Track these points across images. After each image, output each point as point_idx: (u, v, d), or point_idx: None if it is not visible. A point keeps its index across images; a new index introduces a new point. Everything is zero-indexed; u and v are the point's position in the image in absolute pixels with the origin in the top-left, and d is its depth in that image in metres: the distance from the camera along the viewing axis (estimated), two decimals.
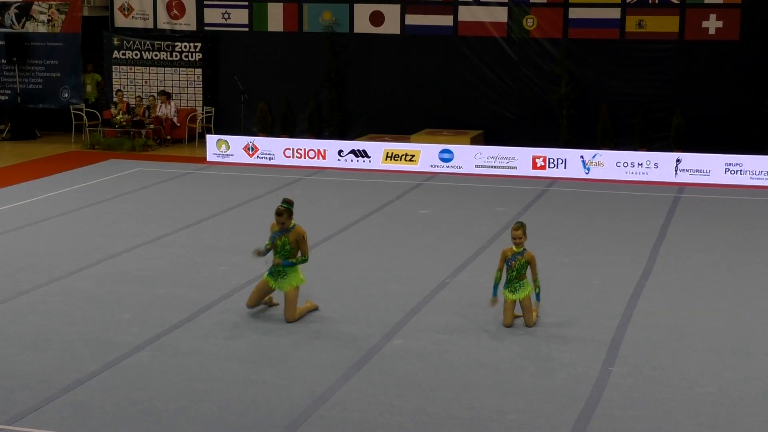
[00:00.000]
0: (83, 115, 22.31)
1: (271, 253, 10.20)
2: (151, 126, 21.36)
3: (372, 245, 13.16)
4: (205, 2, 22.16)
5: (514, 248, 9.87)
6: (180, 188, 16.95)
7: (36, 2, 22.89)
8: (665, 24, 19.77)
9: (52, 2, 22.84)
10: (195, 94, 22.33)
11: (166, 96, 21.85)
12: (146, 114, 21.71)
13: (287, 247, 9.99)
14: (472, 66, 20.71)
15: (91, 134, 21.80)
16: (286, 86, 21.76)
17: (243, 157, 19.31)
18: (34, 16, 22.91)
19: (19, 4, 22.98)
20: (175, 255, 12.55)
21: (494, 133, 20.57)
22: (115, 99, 22.02)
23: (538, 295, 9.93)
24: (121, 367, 8.84)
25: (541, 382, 8.53)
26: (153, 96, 21.99)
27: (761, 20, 19.35)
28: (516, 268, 9.85)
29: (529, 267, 9.85)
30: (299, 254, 10.07)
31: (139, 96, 22.14)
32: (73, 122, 22.41)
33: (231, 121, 22.00)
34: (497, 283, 9.94)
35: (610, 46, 20.07)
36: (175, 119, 21.83)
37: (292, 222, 10.04)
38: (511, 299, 9.89)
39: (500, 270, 9.97)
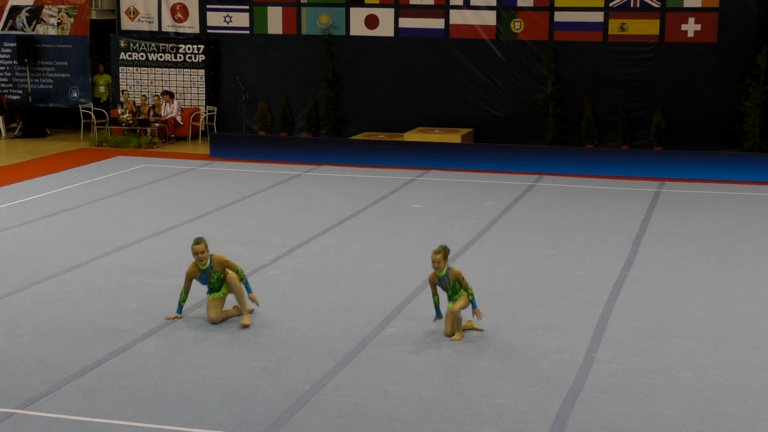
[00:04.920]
0: (91, 114, 22.27)
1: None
2: (157, 124, 21.32)
3: (367, 238, 13.16)
4: (208, 6, 22.11)
5: (438, 273, 9.24)
6: (184, 184, 16.93)
7: (46, 6, 22.82)
8: (646, 27, 19.77)
9: (62, 6, 22.77)
10: (198, 93, 22.28)
11: (170, 96, 21.81)
12: (151, 113, 21.67)
13: (222, 277, 9.65)
14: (463, 67, 20.69)
15: (98, 132, 21.75)
16: (285, 86, 21.72)
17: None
18: (44, 19, 22.84)
19: (30, 7, 22.90)
20: (180, 247, 12.53)
21: (484, 131, 20.56)
22: (121, 99, 21.98)
23: (473, 303, 9.31)
24: (128, 354, 8.84)
25: (528, 369, 8.55)
26: (157, 96, 21.95)
27: (738, 23, 19.35)
28: (449, 287, 9.27)
29: (459, 283, 9.27)
30: (234, 275, 9.63)
31: (144, 95, 22.09)
32: (82, 121, 22.36)
33: (232, 119, 21.98)
34: (437, 305, 9.38)
35: (593, 48, 20.05)
36: (178, 118, 21.80)
37: (209, 258, 9.65)
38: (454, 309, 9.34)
39: (435, 294, 9.39)
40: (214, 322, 9.66)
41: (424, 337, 9.30)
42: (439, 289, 9.45)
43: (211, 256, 9.69)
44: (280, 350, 8.97)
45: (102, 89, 23.01)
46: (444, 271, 9.26)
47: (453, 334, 9.28)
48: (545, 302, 10.38)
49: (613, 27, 19.92)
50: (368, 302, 10.35)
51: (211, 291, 9.73)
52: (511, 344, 9.16)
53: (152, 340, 9.21)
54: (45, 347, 9.00)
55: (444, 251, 9.25)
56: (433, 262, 9.23)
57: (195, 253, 9.61)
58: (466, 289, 9.30)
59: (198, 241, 9.65)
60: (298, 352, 8.92)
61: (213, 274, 9.66)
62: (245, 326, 9.53)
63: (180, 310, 9.83)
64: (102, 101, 22.88)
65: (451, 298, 9.34)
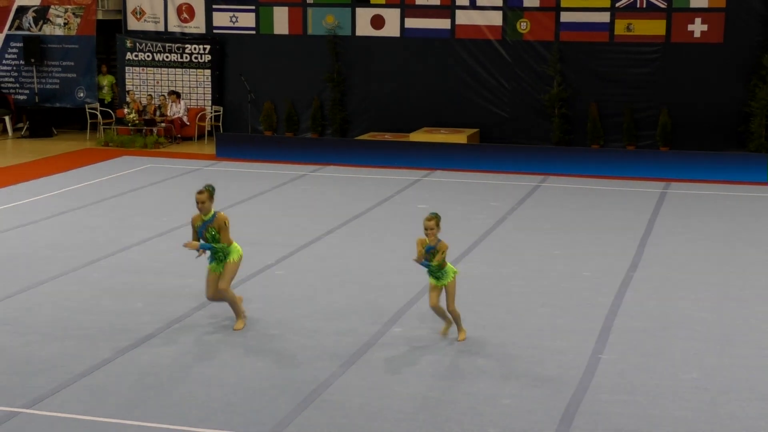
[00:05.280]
0: (98, 113, 22.30)
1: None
2: (163, 124, 21.34)
3: (373, 238, 13.15)
4: (214, 6, 22.12)
5: (427, 240, 8.99)
6: (190, 184, 16.91)
7: (52, 6, 22.85)
8: (653, 27, 19.74)
9: (68, 6, 22.80)
10: (204, 93, 22.30)
11: (176, 96, 21.83)
12: (157, 113, 21.69)
13: (217, 237, 9.34)
14: (469, 67, 20.67)
15: (105, 132, 21.78)
16: (290, 86, 21.72)
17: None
18: (51, 19, 22.87)
19: (36, 7, 22.94)
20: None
21: (489, 131, 20.54)
22: (127, 99, 22.01)
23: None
24: (134, 353, 8.85)
25: (534, 369, 8.53)
26: (164, 96, 21.97)
27: (744, 24, 19.31)
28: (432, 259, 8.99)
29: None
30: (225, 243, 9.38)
31: (150, 95, 22.11)
32: (88, 121, 22.39)
33: (238, 119, 21.99)
34: (422, 261, 9.07)
35: (599, 48, 20.02)
36: (184, 118, 21.82)
37: (212, 210, 9.44)
38: (436, 285, 9.12)
39: (420, 253, 9.06)
40: (211, 299, 9.55)
41: (429, 338, 9.29)
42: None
43: (216, 212, 9.44)
44: (286, 350, 8.97)
45: (105, 90, 23.00)
46: (435, 241, 9.00)
47: (437, 306, 9.07)
48: (551, 303, 10.37)
49: (620, 27, 19.89)
50: (374, 302, 10.34)
51: (211, 259, 9.50)
52: (517, 345, 9.15)
53: (158, 339, 9.21)
54: (51, 346, 9.00)
55: (436, 218, 9.03)
56: (426, 228, 8.97)
57: (196, 202, 9.41)
58: (446, 269, 9.01)
59: (201, 190, 9.43)
60: (304, 351, 8.92)
61: (210, 228, 9.40)
62: (236, 330, 9.49)
63: (202, 246, 9.43)
64: (106, 102, 22.87)
65: (434, 272, 9.05)
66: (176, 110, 21.73)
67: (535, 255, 12.31)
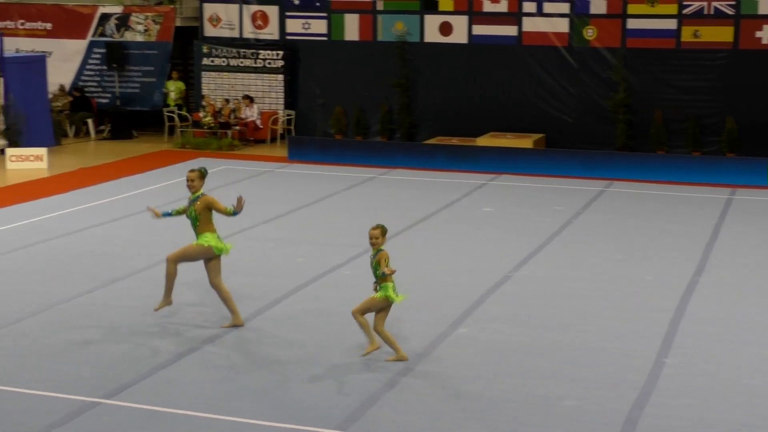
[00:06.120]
0: (175, 116, 22.62)
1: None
2: (237, 127, 21.58)
3: (440, 240, 13.12)
4: (287, 13, 22.29)
5: (372, 250, 8.69)
6: (262, 185, 17.08)
7: (134, 13, 23.28)
8: (720, 34, 19.35)
9: (149, 13, 23.20)
10: (277, 98, 22.48)
11: (249, 100, 22.06)
12: (231, 116, 21.93)
13: (193, 215, 9.42)
14: (535, 73, 20.51)
15: (182, 134, 22.09)
16: (360, 91, 21.76)
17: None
18: (132, 26, 23.30)
19: (118, 15, 23.39)
20: (256, 246, 12.64)
21: (555, 136, 20.36)
22: (203, 102, 22.29)
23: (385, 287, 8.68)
24: (209, 348, 8.94)
25: (598, 372, 8.42)
26: (238, 99, 22.22)
27: None
28: (373, 266, 8.68)
29: (379, 265, 8.63)
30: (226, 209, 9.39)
31: (226, 99, 22.36)
32: (166, 123, 22.73)
33: (309, 123, 22.12)
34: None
35: (666, 55, 19.70)
36: (258, 121, 22.02)
37: (201, 190, 9.46)
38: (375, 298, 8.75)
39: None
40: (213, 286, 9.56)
41: (494, 338, 9.23)
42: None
43: (203, 194, 9.49)
44: (353, 349, 8.98)
45: (172, 96, 23.22)
46: (377, 249, 8.68)
47: (358, 314, 8.70)
48: (616, 306, 10.22)
49: (687, 34, 19.54)
50: (439, 303, 10.31)
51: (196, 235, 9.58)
52: (581, 347, 9.04)
53: (229, 336, 9.29)
54: (130, 340, 9.15)
55: (381, 229, 8.74)
56: (370, 237, 8.70)
57: (186, 179, 9.53)
58: (385, 280, 8.66)
59: (193, 169, 9.57)
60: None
61: (192, 207, 9.47)
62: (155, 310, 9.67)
63: (165, 214, 9.77)
64: (170, 107, 23.01)
65: (377, 282, 8.73)
66: (250, 114, 21.95)
67: (599, 259, 12.15)
